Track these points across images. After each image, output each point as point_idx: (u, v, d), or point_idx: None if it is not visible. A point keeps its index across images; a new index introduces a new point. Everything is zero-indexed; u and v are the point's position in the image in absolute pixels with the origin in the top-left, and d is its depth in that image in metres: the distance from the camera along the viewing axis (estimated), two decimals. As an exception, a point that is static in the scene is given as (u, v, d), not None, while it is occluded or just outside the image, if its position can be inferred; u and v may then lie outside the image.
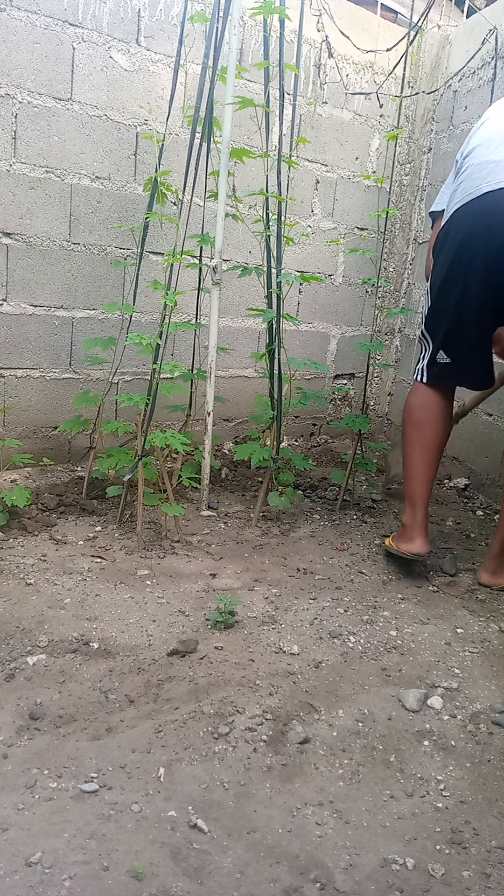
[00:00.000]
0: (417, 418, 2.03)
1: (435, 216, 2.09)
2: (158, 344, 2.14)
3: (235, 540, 2.24)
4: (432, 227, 2.13)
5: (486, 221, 1.77)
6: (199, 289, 2.56)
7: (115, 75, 2.47)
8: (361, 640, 1.70)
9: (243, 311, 2.94)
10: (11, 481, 2.47)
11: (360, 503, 2.66)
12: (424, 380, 2.04)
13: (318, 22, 2.87)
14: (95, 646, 1.58)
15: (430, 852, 1.12)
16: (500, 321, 1.89)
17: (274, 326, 2.38)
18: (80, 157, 2.47)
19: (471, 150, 1.86)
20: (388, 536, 2.19)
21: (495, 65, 2.73)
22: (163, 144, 2.24)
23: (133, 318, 2.59)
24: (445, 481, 2.98)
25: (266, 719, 1.38)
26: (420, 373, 2.05)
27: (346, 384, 3.47)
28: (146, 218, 2.26)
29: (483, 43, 2.82)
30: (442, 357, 1.98)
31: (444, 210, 1.96)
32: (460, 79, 2.99)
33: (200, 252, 2.51)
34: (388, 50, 3.03)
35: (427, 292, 2.02)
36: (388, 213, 2.69)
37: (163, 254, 2.64)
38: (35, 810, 1.13)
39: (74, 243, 2.53)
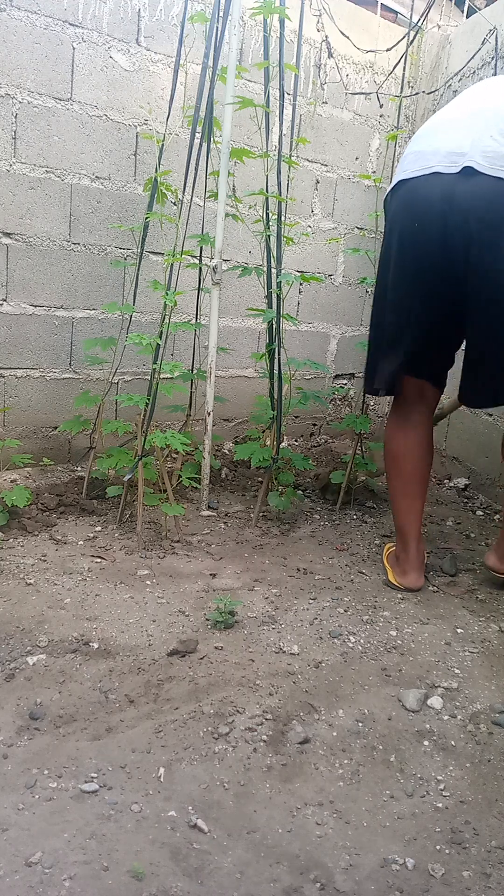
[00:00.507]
0: (391, 450, 2.00)
1: None
2: (158, 344, 2.14)
3: (235, 540, 2.24)
4: None
5: (397, 212, 1.75)
6: (199, 289, 2.56)
7: (115, 75, 2.47)
8: (361, 640, 1.70)
9: (243, 311, 2.94)
10: (11, 481, 2.47)
11: (361, 503, 2.66)
12: (367, 390, 2.04)
13: (318, 22, 2.87)
14: (95, 646, 1.58)
15: (430, 852, 1.12)
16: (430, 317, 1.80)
17: (274, 326, 2.38)
18: (80, 157, 2.47)
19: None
20: (388, 542, 2.17)
21: (495, 65, 2.73)
22: (163, 144, 2.24)
23: (133, 318, 2.59)
24: (445, 481, 2.98)
25: (266, 719, 1.38)
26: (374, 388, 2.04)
27: (346, 384, 3.47)
28: (146, 218, 2.26)
29: (483, 43, 2.82)
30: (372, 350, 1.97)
31: None
32: (460, 79, 2.99)
33: (200, 252, 2.51)
34: (388, 50, 3.02)
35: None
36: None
37: (163, 254, 2.64)
38: (35, 810, 1.13)
39: (74, 243, 2.53)
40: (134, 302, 2.45)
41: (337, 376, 3.43)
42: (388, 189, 1.83)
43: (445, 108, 1.79)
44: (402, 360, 1.85)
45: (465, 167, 1.59)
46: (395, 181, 1.78)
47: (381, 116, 3.17)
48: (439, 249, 1.67)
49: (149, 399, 2.14)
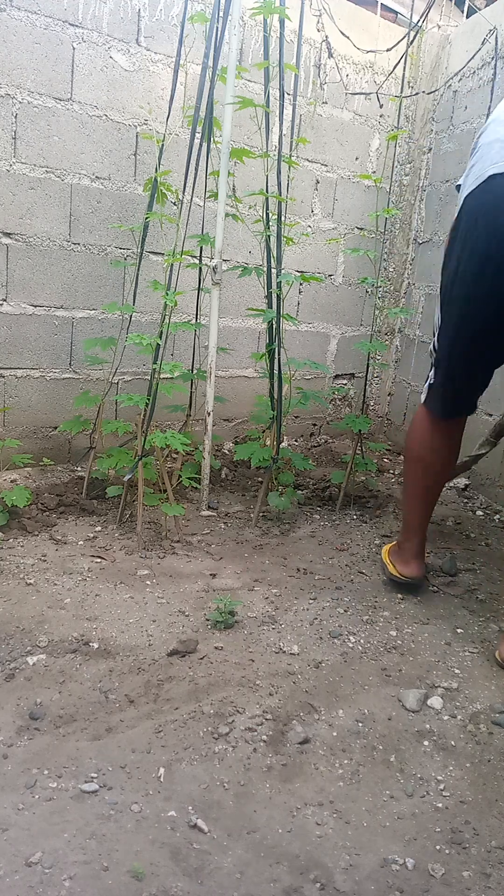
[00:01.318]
0: (418, 455, 1.84)
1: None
2: (158, 344, 2.14)
3: (235, 540, 2.24)
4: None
5: (491, 212, 1.48)
6: (199, 289, 2.56)
7: (115, 75, 2.47)
8: (361, 640, 1.70)
9: (243, 311, 2.94)
10: (11, 481, 2.47)
11: (361, 503, 2.66)
12: (424, 401, 1.83)
13: (318, 22, 2.87)
14: (95, 646, 1.58)
15: (430, 852, 1.12)
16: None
17: (274, 326, 2.38)
18: (80, 157, 2.47)
19: (485, 128, 1.58)
20: (387, 543, 2.15)
21: (495, 65, 2.73)
22: (163, 144, 2.24)
23: (133, 318, 2.59)
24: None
25: (266, 719, 1.38)
26: (424, 392, 1.83)
27: (346, 384, 3.47)
28: (146, 218, 2.26)
29: (483, 43, 2.82)
30: (432, 376, 1.78)
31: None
32: (460, 79, 2.99)
33: (200, 252, 2.51)
34: (388, 50, 3.03)
35: (438, 295, 1.76)
36: (388, 213, 2.69)
37: (163, 254, 2.64)
38: (35, 810, 1.13)
39: (74, 243, 2.53)
40: (134, 302, 2.45)
41: (337, 376, 3.43)
42: (467, 185, 1.55)
43: None
44: (477, 383, 1.72)
45: None
46: (481, 175, 1.49)
47: (381, 116, 3.17)
48: None
49: (149, 399, 2.14)
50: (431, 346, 1.79)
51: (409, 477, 1.91)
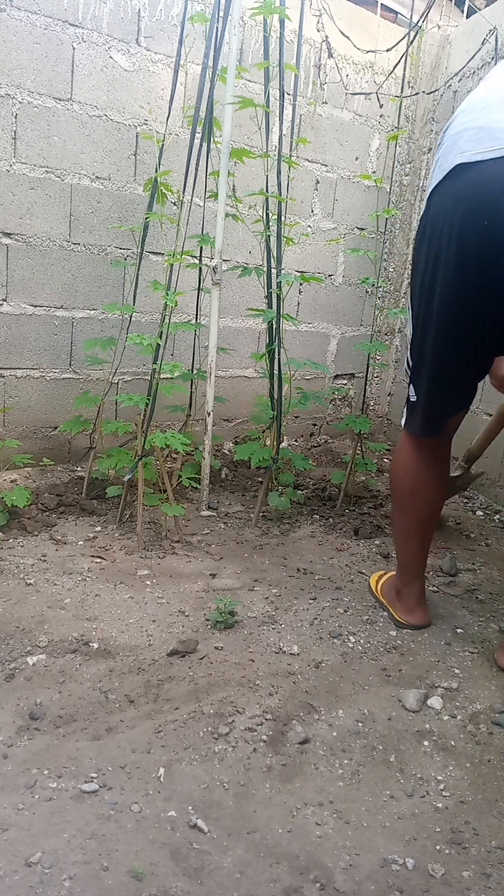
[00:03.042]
0: (406, 485, 1.67)
1: None
2: (158, 344, 2.14)
3: (235, 540, 2.24)
4: None
5: (460, 205, 1.33)
6: (199, 289, 2.56)
7: (115, 75, 2.47)
8: (361, 640, 1.70)
9: (243, 311, 2.94)
10: (11, 481, 2.47)
11: (361, 503, 2.66)
12: (404, 424, 1.65)
13: (318, 22, 2.87)
14: (95, 646, 1.58)
15: (430, 852, 1.12)
16: (485, 352, 1.45)
17: (274, 326, 2.38)
18: (80, 157, 2.47)
19: (452, 120, 1.43)
20: (375, 574, 1.99)
21: (495, 65, 2.73)
22: (163, 144, 2.24)
23: (133, 318, 2.59)
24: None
25: (266, 719, 1.38)
26: (404, 416, 1.66)
27: (346, 384, 3.47)
28: (146, 218, 2.26)
29: (483, 43, 2.82)
30: (411, 394, 1.60)
31: None
32: (460, 79, 2.99)
33: (200, 252, 2.51)
34: (388, 50, 3.02)
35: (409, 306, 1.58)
36: (388, 213, 2.69)
37: (163, 254, 2.64)
38: (35, 810, 1.13)
39: (74, 243, 2.53)
40: (134, 302, 2.45)
41: (337, 376, 3.43)
42: (433, 181, 1.42)
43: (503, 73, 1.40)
44: (455, 397, 1.55)
45: None
46: (448, 165, 1.36)
47: (381, 116, 3.17)
48: None
49: (149, 399, 2.14)
50: (405, 361, 1.65)
51: (399, 511, 1.73)
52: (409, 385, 1.62)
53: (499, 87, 1.37)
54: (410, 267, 1.55)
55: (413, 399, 1.60)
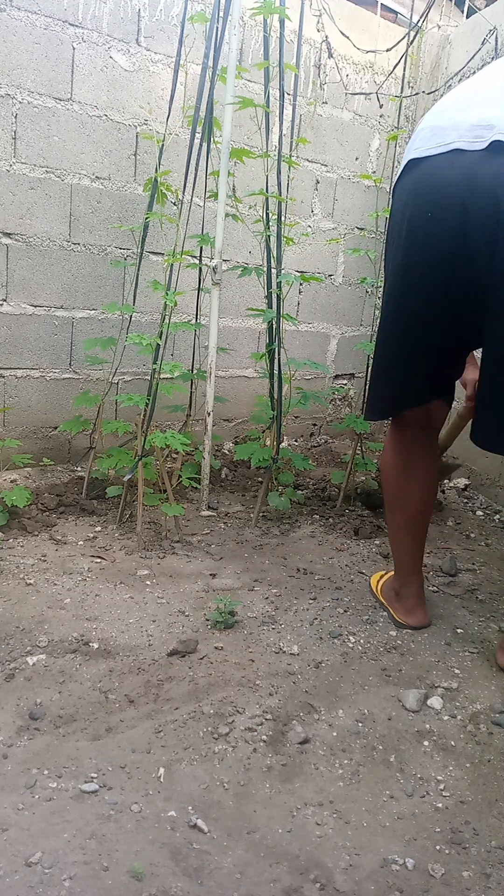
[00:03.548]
0: (393, 483, 1.71)
1: None
2: (158, 344, 2.14)
3: (235, 540, 2.24)
4: None
5: (406, 200, 1.43)
6: (199, 289, 2.56)
7: (115, 75, 2.47)
8: (361, 640, 1.70)
9: (243, 311, 2.94)
10: (11, 481, 2.47)
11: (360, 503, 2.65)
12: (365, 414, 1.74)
13: (318, 22, 2.87)
14: (95, 646, 1.58)
15: (430, 852, 1.12)
16: (443, 340, 1.49)
17: (274, 326, 2.38)
18: (80, 157, 2.47)
19: (420, 121, 1.52)
20: (376, 574, 1.99)
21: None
22: (163, 144, 2.24)
23: (133, 318, 2.59)
24: (445, 481, 2.98)
25: (266, 719, 1.38)
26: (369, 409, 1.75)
27: (346, 384, 3.47)
28: (146, 218, 2.26)
29: (483, 43, 2.82)
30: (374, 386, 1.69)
31: None
32: (460, 79, 2.99)
33: (200, 252, 2.51)
34: (388, 50, 3.03)
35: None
36: (388, 213, 2.69)
37: (163, 254, 2.64)
38: (35, 810, 1.13)
39: (74, 243, 2.53)
40: (134, 302, 2.45)
41: (337, 376, 3.43)
42: (398, 173, 1.51)
43: (468, 81, 1.50)
44: (407, 385, 1.58)
45: (493, 142, 1.29)
46: (404, 161, 1.47)
47: (381, 116, 3.17)
48: (456, 245, 1.35)
49: (149, 399, 2.14)
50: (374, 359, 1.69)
51: (390, 509, 1.76)
52: (374, 365, 1.69)
53: (463, 91, 1.47)
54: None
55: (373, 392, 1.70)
